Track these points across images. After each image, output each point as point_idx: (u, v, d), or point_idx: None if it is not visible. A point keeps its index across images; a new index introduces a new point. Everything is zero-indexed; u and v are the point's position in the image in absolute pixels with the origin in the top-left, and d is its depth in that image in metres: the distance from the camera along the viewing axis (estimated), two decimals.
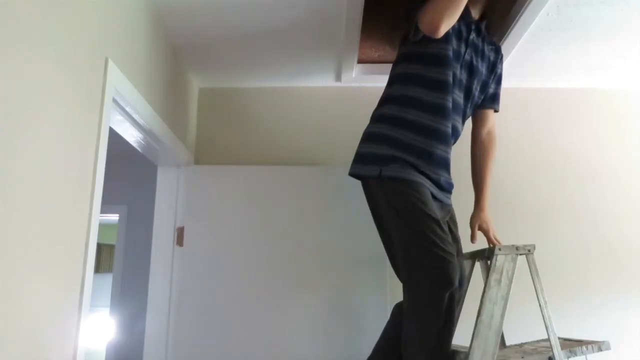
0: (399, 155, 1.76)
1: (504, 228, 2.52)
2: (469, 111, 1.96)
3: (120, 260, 4.56)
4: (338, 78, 2.67)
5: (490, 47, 2.00)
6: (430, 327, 1.60)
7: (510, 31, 2.15)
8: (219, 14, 2.08)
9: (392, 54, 2.57)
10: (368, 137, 1.87)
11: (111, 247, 5.86)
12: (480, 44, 1.93)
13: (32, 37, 1.19)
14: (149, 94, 1.99)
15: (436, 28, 1.69)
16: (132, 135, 2.06)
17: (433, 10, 1.70)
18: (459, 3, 1.71)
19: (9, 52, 1.10)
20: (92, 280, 1.47)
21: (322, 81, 2.72)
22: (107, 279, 4.86)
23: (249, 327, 2.38)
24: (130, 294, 4.29)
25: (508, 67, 2.48)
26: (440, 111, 1.80)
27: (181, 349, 2.37)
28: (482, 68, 1.94)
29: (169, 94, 2.29)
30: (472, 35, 1.89)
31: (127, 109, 1.79)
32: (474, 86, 1.91)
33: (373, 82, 2.59)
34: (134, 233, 4.49)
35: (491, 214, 2.54)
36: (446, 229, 1.74)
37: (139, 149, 2.24)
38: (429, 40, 1.77)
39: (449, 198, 1.91)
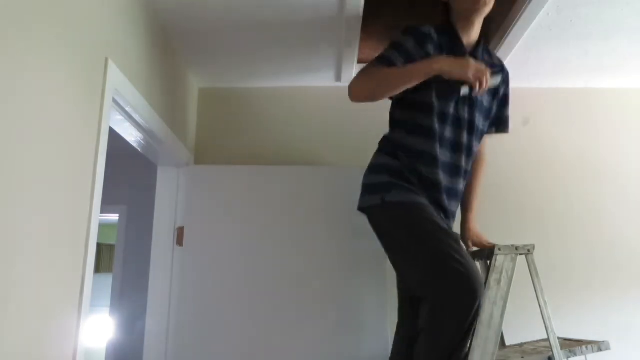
0: (400, 182, 1.73)
1: (504, 228, 2.53)
2: (475, 144, 1.86)
3: (120, 260, 4.56)
4: (338, 78, 2.67)
5: (491, 70, 1.81)
6: (449, 344, 1.54)
7: (510, 31, 2.15)
8: (220, 14, 2.08)
9: None
10: (370, 168, 1.85)
11: (111, 247, 5.85)
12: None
13: (32, 38, 1.19)
14: (149, 94, 1.99)
15: (354, 99, 1.72)
16: (132, 135, 2.06)
17: (361, 85, 1.70)
18: (387, 90, 1.70)
19: (8, 52, 1.10)
20: (92, 280, 1.47)
21: (322, 81, 2.72)
22: (107, 279, 4.86)
23: (249, 327, 2.38)
24: (130, 294, 4.28)
25: (508, 67, 2.47)
26: (433, 161, 1.74)
27: (181, 349, 2.37)
28: (482, 98, 1.82)
29: (169, 94, 2.29)
30: None
31: (127, 109, 1.79)
32: (476, 119, 1.82)
33: None
34: (134, 233, 4.49)
35: (491, 213, 2.55)
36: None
37: (139, 149, 2.24)
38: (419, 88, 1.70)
39: (452, 224, 1.86)
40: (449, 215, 1.82)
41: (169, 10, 2.06)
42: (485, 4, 1.74)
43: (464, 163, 1.82)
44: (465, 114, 1.79)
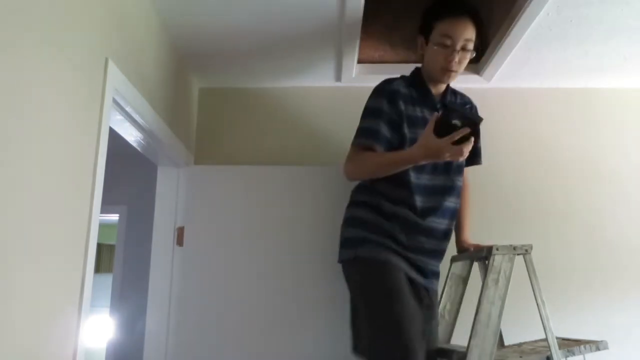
0: (374, 237, 1.78)
1: (503, 228, 2.54)
2: (458, 180, 1.90)
3: (120, 260, 4.57)
4: (338, 78, 2.67)
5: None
6: None
7: (510, 31, 2.15)
8: (219, 14, 2.08)
9: (392, 54, 2.57)
10: (345, 221, 1.92)
11: (111, 247, 5.87)
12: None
13: (32, 37, 1.20)
14: (149, 94, 1.99)
15: (349, 179, 1.85)
16: (132, 135, 2.06)
17: (353, 169, 1.79)
18: (377, 173, 1.78)
19: (8, 51, 1.10)
20: (92, 280, 1.47)
21: (322, 81, 2.73)
22: (107, 279, 4.87)
23: (249, 327, 2.38)
24: (130, 294, 4.30)
25: (508, 67, 2.49)
26: (413, 209, 1.79)
27: (181, 349, 2.37)
28: None
29: (169, 93, 2.29)
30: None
31: (127, 109, 1.80)
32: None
33: (373, 82, 2.57)
34: (134, 233, 4.51)
35: (491, 213, 2.56)
36: (419, 317, 1.70)
37: (139, 149, 2.25)
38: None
39: (433, 283, 1.85)
40: (427, 275, 1.82)
41: (170, 11, 2.06)
42: (449, 77, 1.83)
43: (449, 203, 1.85)
44: (440, 162, 1.81)
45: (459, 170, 1.91)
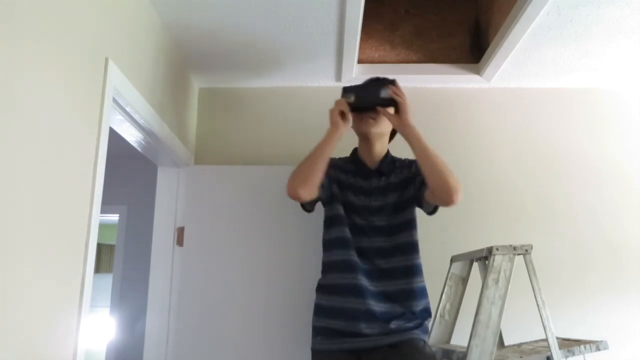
0: (320, 324, 1.88)
1: (504, 228, 2.54)
2: (394, 219, 1.88)
3: (120, 260, 4.57)
4: (338, 78, 2.67)
5: (397, 172, 1.94)
6: None
7: (510, 31, 2.15)
8: (219, 14, 2.09)
9: (392, 54, 2.58)
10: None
11: (111, 247, 5.87)
12: (384, 183, 1.91)
13: (32, 37, 1.20)
14: (149, 94, 1.99)
15: (295, 196, 1.81)
16: (132, 135, 2.07)
17: (291, 177, 1.82)
18: (313, 168, 1.83)
19: (8, 51, 1.10)
20: (92, 280, 1.47)
21: (322, 81, 2.73)
22: (107, 279, 4.87)
23: (249, 327, 2.38)
24: (130, 294, 4.30)
25: (508, 67, 2.49)
26: (349, 266, 1.83)
27: (181, 349, 2.37)
28: (393, 199, 1.88)
29: (169, 94, 2.29)
30: (374, 184, 1.91)
31: (127, 109, 1.80)
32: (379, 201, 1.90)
33: None
34: (134, 233, 4.51)
35: (491, 214, 2.56)
36: None
37: (139, 149, 2.25)
38: (329, 202, 1.92)
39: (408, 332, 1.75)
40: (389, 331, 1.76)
41: (170, 11, 2.06)
42: (372, 137, 1.91)
43: (386, 264, 1.82)
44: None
45: (400, 227, 1.87)
